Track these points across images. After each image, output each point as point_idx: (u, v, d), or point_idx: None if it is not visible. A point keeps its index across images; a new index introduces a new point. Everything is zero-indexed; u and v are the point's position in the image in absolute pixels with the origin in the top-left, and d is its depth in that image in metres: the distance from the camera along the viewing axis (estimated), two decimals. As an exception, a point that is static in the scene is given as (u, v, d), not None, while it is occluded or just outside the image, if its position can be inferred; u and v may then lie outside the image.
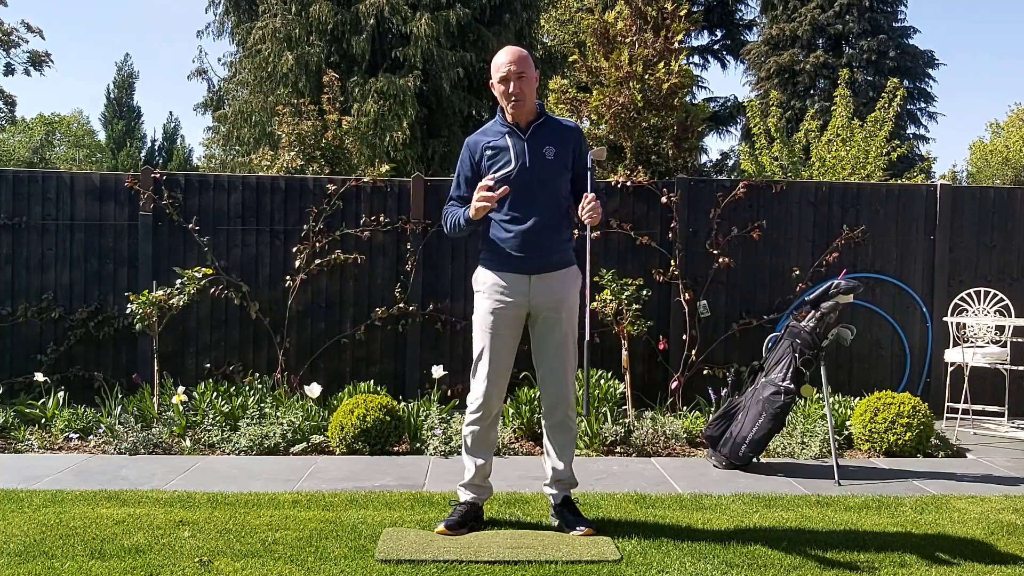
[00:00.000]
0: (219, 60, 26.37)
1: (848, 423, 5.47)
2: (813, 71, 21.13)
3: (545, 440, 3.67)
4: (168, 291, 5.76)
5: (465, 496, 3.63)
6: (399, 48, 13.13)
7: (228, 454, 5.08)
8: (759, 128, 12.09)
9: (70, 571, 3.04)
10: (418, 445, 5.20)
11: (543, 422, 3.66)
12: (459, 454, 4.43)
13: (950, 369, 6.11)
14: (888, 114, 11.50)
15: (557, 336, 3.54)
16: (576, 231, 3.70)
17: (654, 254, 6.47)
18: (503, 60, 3.47)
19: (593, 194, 3.43)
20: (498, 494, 4.01)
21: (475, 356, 3.55)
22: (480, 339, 3.54)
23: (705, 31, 22.90)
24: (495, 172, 3.47)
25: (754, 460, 4.88)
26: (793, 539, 3.50)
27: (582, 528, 3.49)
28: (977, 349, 5.96)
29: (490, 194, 3.36)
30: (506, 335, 3.52)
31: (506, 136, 3.52)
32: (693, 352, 6.38)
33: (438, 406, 5.67)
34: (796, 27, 21.55)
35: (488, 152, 3.51)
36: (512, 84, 3.44)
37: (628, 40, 9.96)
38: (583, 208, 3.40)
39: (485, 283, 3.55)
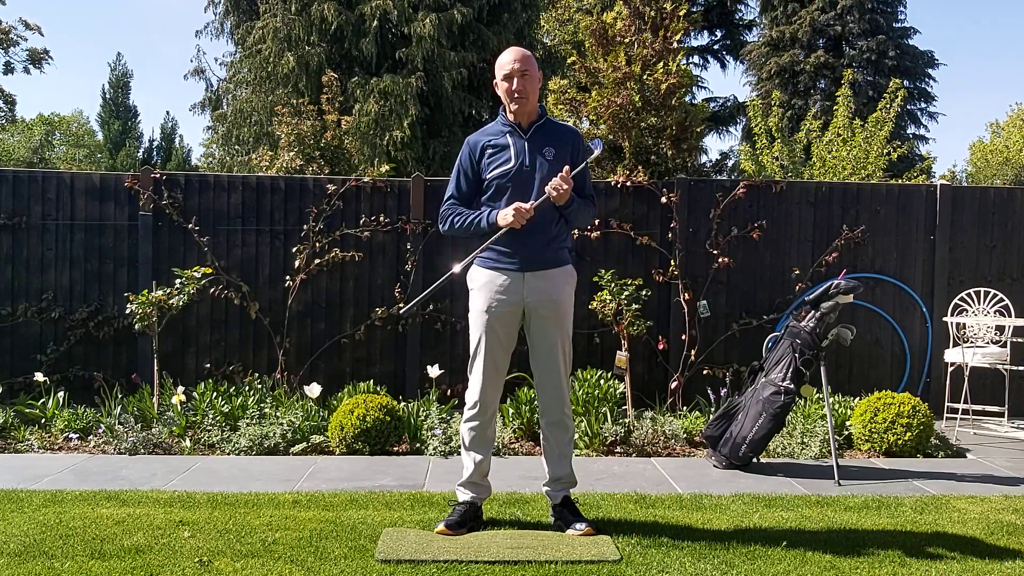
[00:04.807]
0: (217, 60, 26.33)
1: (848, 423, 5.47)
2: (813, 71, 21.13)
3: (543, 440, 3.68)
4: (168, 291, 5.75)
5: (464, 495, 3.63)
6: (401, 48, 13.12)
7: (228, 454, 5.08)
8: (760, 128, 12.08)
9: (70, 571, 3.04)
10: (418, 445, 5.20)
11: (541, 422, 3.67)
12: (459, 454, 4.44)
13: (950, 369, 6.11)
14: (889, 114, 11.49)
15: (552, 337, 3.54)
16: (576, 232, 3.70)
17: (654, 254, 6.47)
18: (507, 59, 3.50)
19: (569, 175, 3.38)
20: (498, 494, 4.01)
21: (471, 354, 3.58)
22: (475, 337, 3.56)
23: (705, 31, 22.90)
24: (494, 169, 3.50)
25: (754, 460, 4.87)
26: (793, 539, 3.50)
27: (582, 528, 3.49)
28: (977, 349, 5.96)
29: (527, 211, 3.34)
30: (501, 333, 3.53)
31: (507, 135, 3.54)
32: (693, 352, 6.38)
33: (438, 406, 5.67)
34: (796, 29, 21.55)
35: (489, 150, 3.54)
36: (516, 81, 3.47)
37: (627, 40, 9.96)
38: (554, 180, 3.37)
39: (479, 281, 3.56)
